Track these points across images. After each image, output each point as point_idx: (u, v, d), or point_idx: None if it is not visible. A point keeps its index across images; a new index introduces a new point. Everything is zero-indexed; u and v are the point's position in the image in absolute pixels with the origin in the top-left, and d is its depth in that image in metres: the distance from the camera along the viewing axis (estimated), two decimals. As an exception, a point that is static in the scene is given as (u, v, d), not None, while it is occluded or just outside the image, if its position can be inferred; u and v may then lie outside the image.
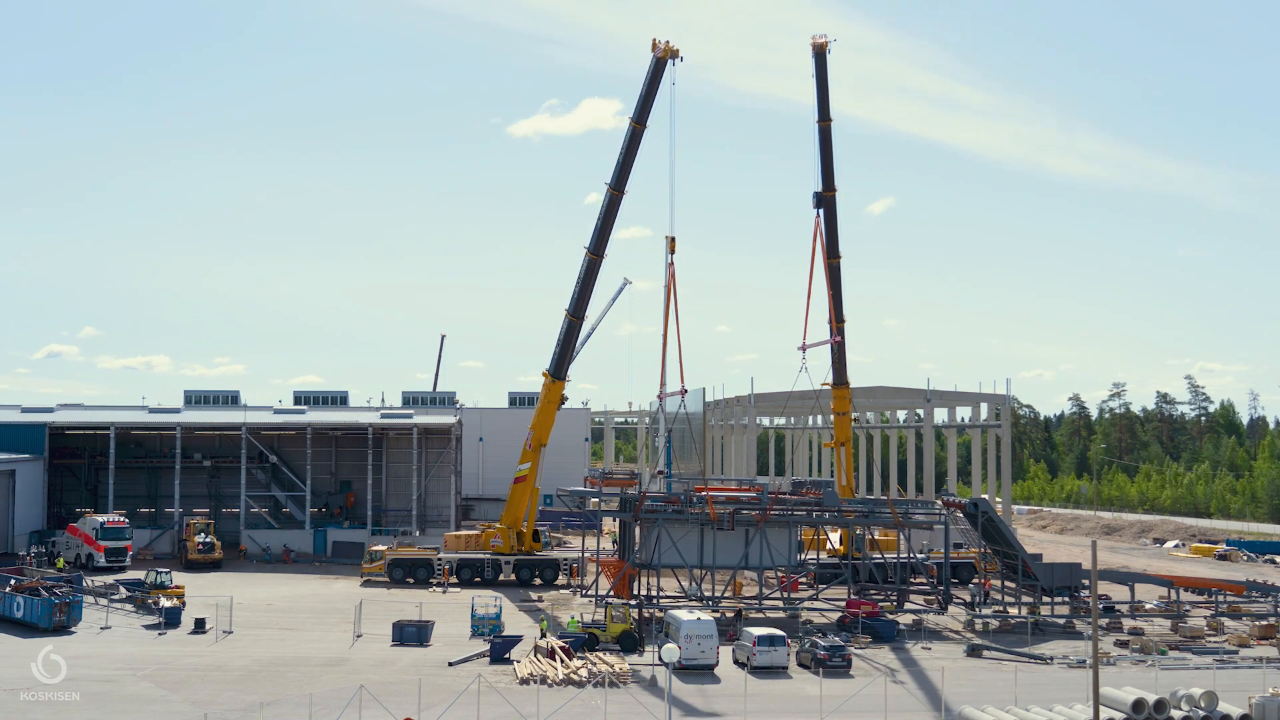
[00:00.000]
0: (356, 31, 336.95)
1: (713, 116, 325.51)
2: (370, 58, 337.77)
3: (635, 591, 73.65)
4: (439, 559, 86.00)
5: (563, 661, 54.83)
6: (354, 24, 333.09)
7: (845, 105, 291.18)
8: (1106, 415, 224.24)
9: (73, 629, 63.84)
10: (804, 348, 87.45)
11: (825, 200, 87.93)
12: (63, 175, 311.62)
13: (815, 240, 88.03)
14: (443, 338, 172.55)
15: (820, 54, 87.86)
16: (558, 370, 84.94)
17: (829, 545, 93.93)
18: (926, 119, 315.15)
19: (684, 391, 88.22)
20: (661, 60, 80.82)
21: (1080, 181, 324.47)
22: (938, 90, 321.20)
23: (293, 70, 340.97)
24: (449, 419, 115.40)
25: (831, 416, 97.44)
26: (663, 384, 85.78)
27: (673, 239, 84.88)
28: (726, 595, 75.93)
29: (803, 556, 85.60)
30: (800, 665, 57.08)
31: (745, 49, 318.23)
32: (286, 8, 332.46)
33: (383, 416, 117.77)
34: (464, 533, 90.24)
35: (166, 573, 75.20)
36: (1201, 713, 46.43)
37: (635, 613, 65.41)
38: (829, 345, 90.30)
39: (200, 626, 64.47)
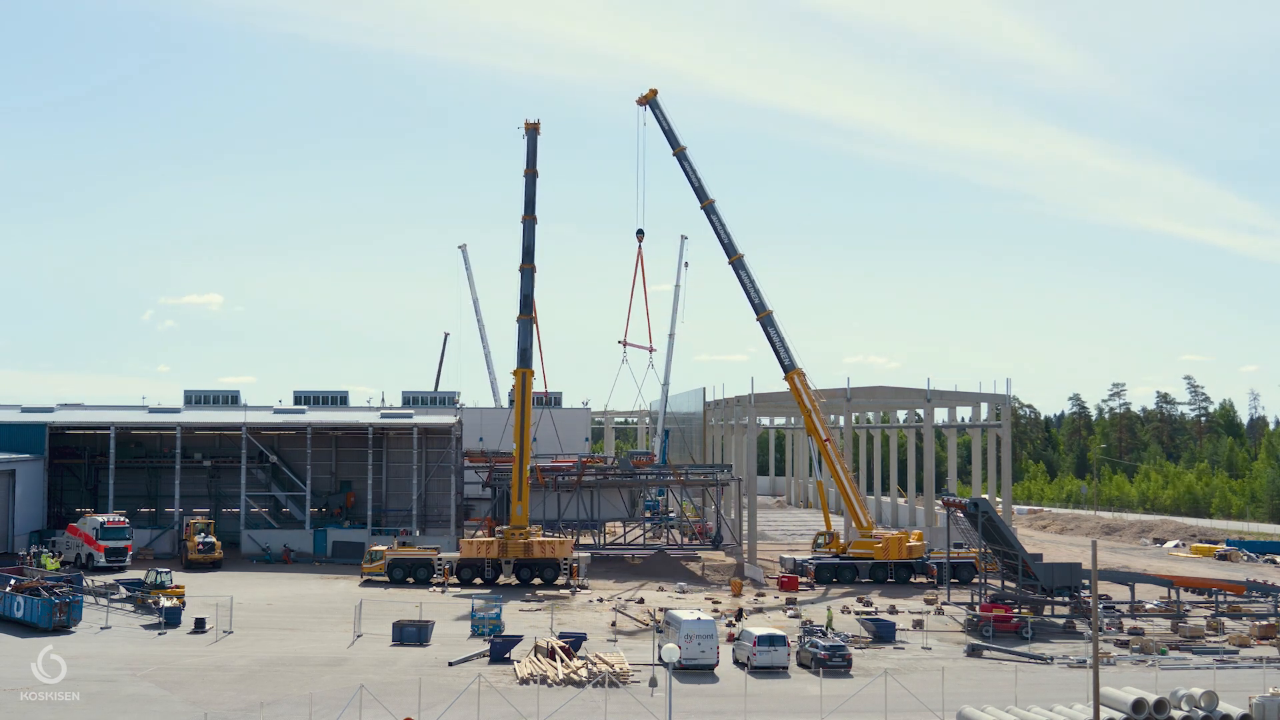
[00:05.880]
0: (342, 53, 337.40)
1: (717, 131, 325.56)
2: (371, 76, 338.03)
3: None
4: (439, 559, 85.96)
5: (563, 661, 54.84)
6: (337, 52, 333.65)
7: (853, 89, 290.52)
8: (1106, 415, 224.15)
9: (73, 629, 63.82)
10: (624, 344, 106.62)
11: (706, 209, 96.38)
12: (72, 189, 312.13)
13: (637, 269, 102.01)
14: (446, 336, 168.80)
15: (653, 103, 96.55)
16: (524, 360, 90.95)
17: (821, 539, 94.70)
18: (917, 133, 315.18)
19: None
20: (531, 131, 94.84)
21: (1080, 208, 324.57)
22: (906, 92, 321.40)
23: (292, 83, 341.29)
24: (449, 419, 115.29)
25: (835, 419, 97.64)
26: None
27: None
28: (720, 596, 75.71)
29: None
30: (800, 665, 57.04)
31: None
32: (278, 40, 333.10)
33: (383, 416, 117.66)
34: (480, 539, 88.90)
35: (166, 572, 75.02)
36: (1201, 713, 46.40)
37: None
38: (645, 351, 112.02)
39: (200, 626, 64.47)
